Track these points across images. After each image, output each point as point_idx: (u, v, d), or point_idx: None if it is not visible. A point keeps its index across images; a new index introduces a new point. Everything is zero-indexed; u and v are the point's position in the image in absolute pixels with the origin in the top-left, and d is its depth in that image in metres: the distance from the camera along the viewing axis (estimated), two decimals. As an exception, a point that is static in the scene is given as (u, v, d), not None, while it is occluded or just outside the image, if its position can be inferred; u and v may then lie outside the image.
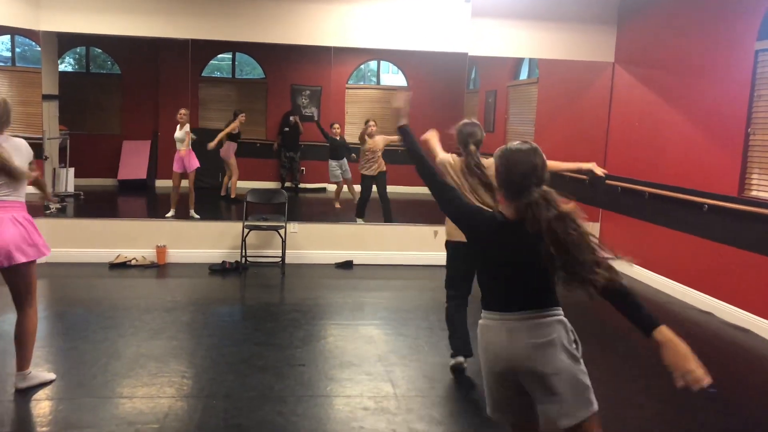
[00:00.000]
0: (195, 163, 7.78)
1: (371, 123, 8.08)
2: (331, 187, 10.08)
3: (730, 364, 4.48)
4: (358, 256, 6.96)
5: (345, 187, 9.04)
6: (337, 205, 8.90)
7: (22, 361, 3.54)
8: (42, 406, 3.42)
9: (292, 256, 6.75)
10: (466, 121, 4.09)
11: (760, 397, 3.93)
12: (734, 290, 5.31)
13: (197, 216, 7.54)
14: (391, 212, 7.82)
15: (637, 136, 6.80)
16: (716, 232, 5.50)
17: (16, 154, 3.42)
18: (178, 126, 7.74)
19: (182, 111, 7.77)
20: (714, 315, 5.46)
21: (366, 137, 7.97)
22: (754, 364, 4.49)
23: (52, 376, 3.69)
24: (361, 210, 7.92)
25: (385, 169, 7.97)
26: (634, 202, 6.77)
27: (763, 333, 4.96)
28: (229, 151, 9.03)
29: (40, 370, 3.68)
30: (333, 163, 8.92)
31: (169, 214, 7.54)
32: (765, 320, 4.96)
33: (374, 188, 7.93)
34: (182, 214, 7.50)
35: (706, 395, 3.88)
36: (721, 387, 4.01)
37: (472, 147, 3.89)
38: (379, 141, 7.97)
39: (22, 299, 3.52)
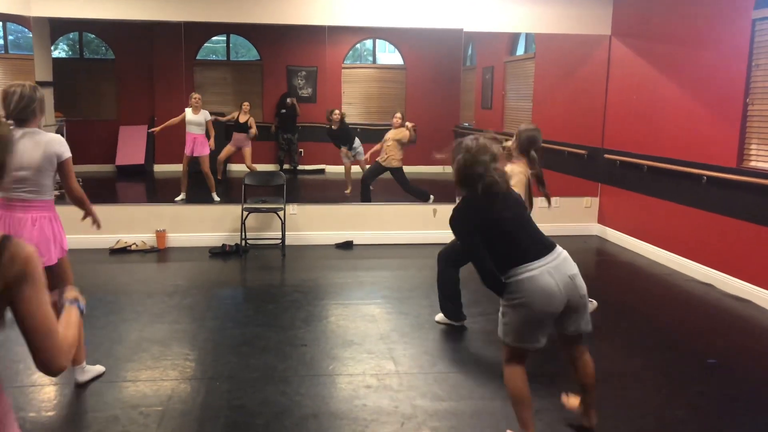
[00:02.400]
0: (205, 150, 7.74)
1: (397, 115, 7.86)
2: (331, 168, 10.06)
3: (730, 335, 4.50)
4: (358, 236, 6.97)
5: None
6: (348, 191, 8.67)
7: (76, 355, 3.41)
8: (46, 390, 3.45)
9: (292, 237, 6.76)
10: (525, 126, 4.16)
11: (761, 367, 3.95)
12: (734, 261, 5.32)
13: (218, 199, 7.57)
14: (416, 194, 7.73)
15: (634, 109, 6.77)
16: (715, 203, 5.50)
17: (35, 151, 3.19)
18: (191, 110, 7.65)
19: (195, 95, 7.71)
20: (714, 286, 5.48)
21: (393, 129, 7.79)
22: (755, 334, 4.51)
23: (102, 368, 3.63)
24: (364, 195, 7.82)
25: (395, 165, 7.67)
26: (632, 176, 6.76)
27: (763, 303, 4.98)
28: (237, 142, 8.87)
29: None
30: (343, 149, 8.67)
31: (179, 198, 7.55)
32: (765, 290, 4.98)
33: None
34: (192, 198, 7.52)
35: (708, 366, 3.91)
36: (722, 357, 4.04)
37: (533, 154, 4.02)
38: (392, 133, 7.76)
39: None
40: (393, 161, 7.68)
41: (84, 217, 3.58)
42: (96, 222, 3.58)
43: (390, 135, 7.77)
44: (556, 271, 2.68)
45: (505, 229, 2.73)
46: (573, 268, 2.75)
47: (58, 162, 3.26)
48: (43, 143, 3.24)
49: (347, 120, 8.88)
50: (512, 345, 2.79)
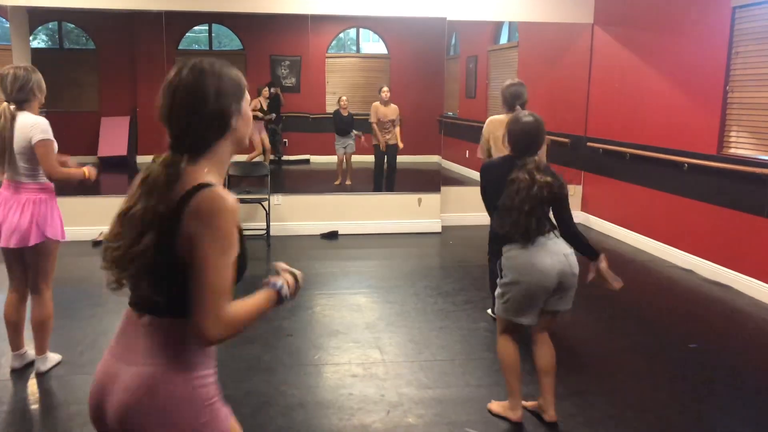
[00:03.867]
0: None
1: (385, 89, 7.91)
2: (315, 159, 10.02)
3: (711, 320, 4.57)
4: (343, 227, 6.97)
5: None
6: (348, 182, 8.54)
7: (41, 345, 3.48)
8: (30, 383, 3.43)
9: (277, 228, 6.75)
10: (510, 81, 4.20)
11: (741, 351, 4.02)
12: (715, 248, 5.39)
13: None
14: (394, 183, 7.77)
15: (617, 98, 6.81)
16: (697, 190, 5.56)
17: (20, 133, 3.24)
18: None
19: None
20: (695, 272, 5.55)
21: (379, 103, 7.86)
22: (735, 319, 4.59)
23: (59, 356, 3.63)
24: (378, 183, 7.89)
25: (395, 142, 7.83)
26: (615, 164, 6.81)
27: (743, 288, 5.05)
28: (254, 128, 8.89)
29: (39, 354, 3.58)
30: (340, 138, 8.58)
31: None
32: (744, 276, 5.05)
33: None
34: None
35: (689, 350, 3.97)
36: (703, 342, 4.10)
37: (518, 108, 4.00)
38: (391, 110, 7.83)
39: (35, 281, 3.41)
40: (395, 139, 7.80)
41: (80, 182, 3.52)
42: (90, 175, 3.48)
43: (390, 114, 7.80)
44: (552, 249, 2.86)
45: (514, 206, 2.82)
46: (568, 248, 2.93)
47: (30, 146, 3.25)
48: (25, 126, 3.25)
49: (331, 109, 8.89)
50: (507, 319, 2.98)
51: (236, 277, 1.44)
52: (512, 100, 4.13)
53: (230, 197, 1.39)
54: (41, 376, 3.47)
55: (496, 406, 3.14)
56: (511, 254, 2.91)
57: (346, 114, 8.53)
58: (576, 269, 2.92)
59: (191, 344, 1.41)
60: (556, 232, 2.93)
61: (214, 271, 1.35)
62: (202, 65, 1.45)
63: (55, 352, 3.62)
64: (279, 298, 1.53)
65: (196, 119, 1.43)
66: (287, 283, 1.57)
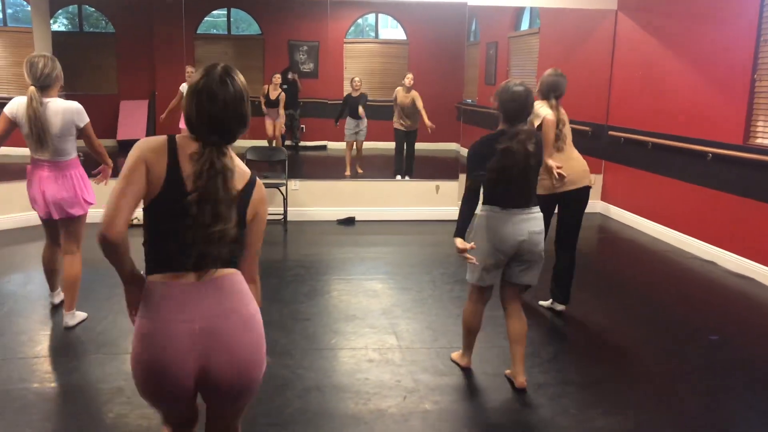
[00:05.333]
0: None
1: (409, 76, 7.96)
2: (333, 145, 9.99)
3: (732, 312, 4.50)
4: (360, 213, 6.95)
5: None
6: (360, 170, 8.48)
7: (70, 302, 3.85)
8: (50, 362, 3.46)
9: (294, 213, 6.74)
10: (551, 71, 4.16)
11: (762, 344, 3.95)
12: (737, 239, 5.30)
13: None
14: (413, 169, 7.77)
15: (639, 85, 6.70)
16: (720, 181, 5.47)
17: (55, 118, 3.59)
18: (187, 85, 7.65)
19: (189, 69, 7.77)
20: (717, 264, 5.47)
21: (401, 88, 7.94)
22: (756, 312, 4.51)
23: (85, 314, 3.98)
24: (398, 166, 7.93)
25: (415, 128, 7.95)
26: (637, 153, 6.72)
27: (765, 281, 4.97)
28: (272, 114, 9.00)
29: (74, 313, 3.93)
30: (350, 122, 8.42)
31: None
32: (767, 268, 4.97)
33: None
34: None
35: (709, 342, 3.91)
36: (724, 334, 4.04)
37: (553, 101, 4.05)
38: (413, 96, 7.88)
39: (70, 244, 3.83)
40: (415, 126, 7.90)
41: (97, 171, 4.03)
42: (105, 177, 4.03)
43: (407, 100, 7.86)
44: (519, 222, 3.06)
45: (502, 177, 3.02)
46: (537, 227, 3.11)
47: (77, 129, 3.69)
48: (61, 111, 3.61)
49: (348, 94, 8.78)
50: (473, 283, 3.26)
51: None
52: (548, 91, 4.04)
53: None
54: (60, 357, 3.51)
55: (454, 354, 3.53)
56: (484, 215, 3.14)
57: (356, 95, 8.34)
58: (537, 247, 3.11)
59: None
60: (536, 209, 3.12)
61: (255, 248, 1.92)
62: (239, 78, 1.80)
63: (77, 328, 3.88)
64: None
65: (243, 122, 1.82)
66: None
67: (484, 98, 10.57)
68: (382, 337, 3.85)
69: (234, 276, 1.85)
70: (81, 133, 3.72)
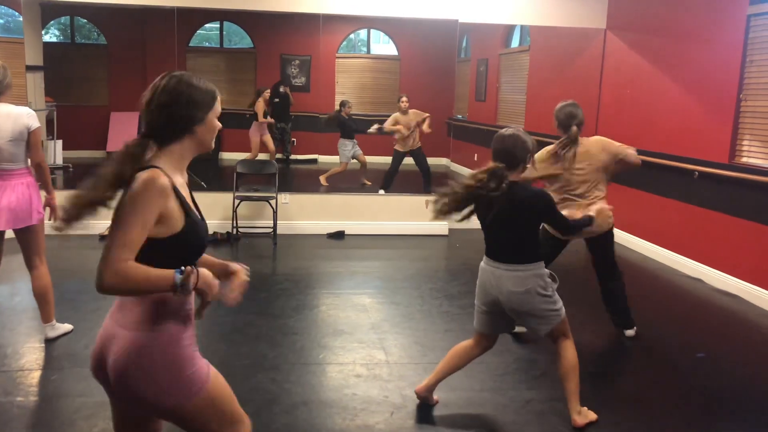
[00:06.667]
0: None
1: (404, 99, 8.04)
2: (323, 158, 10.01)
3: (719, 330, 4.53)
4: (350, 227, 6.95)
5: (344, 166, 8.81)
6: (368, 182, 8.61)
7: (47, 314, 3.81)
8: (34, 375, 3.43)
9: (284, 226, 6.73)
10: (563, 103, 4.14)
11: (749, 362, 3.98)
12: (723, 257, 5.35)
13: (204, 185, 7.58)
14: (430, 183, 7.83)
15: (628, 103, 6.77)
16: (707, 199, 5.52)
17: (6, 123, 3.50)
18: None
19: None
20: (703, 281, 5.51)
21: (399, 113, 8.01)
22: (743, 330, 4.54)
23: (70, 326, 3.94)
24: (387, 182, 7.94)
25: (419, 145, 8.00)
26: (624, 170, 6.75)
27: (751, 299, 5.01)
28: (256, 130, 9.07)
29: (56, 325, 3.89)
30: (347, 143, 8.59)
31: None
32: (753, 286, 5.01)
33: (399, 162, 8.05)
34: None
35: (697, 360, 3.93)
36: (711, 351, 4.06)
37: (574, 128, 4.04)
38: (412, 116, 7.97)
39: (32, 258, 3.74)
40: (417, 142, 7.99)
41: (46, 204, 3.76)
42: (54, 212, 3.73)
43: (412, 120, 7.92)
44: (498, 276, 2.90)
45: (488, 224, 2.96)
46: (518, 287, 2.86)
47: (27, 132, 3.55)
48: (14, 114, 3.53)
49: (339, 113, 8.87)
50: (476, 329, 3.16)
51: (189, 253, 1.80)
52: (568, 121, 4.03)
53: (161, 179, 1.67)
54: (44, 370, 3.48)
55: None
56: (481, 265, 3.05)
57: (347, 117, 8.59)
58: (521, 308, 2.90)
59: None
60: (523, 266, 2.86)
61: (120, 230, 1.68)
62: (182, 76, 1.77)
63: (61, 340, 3.82)
64: (174, 284, 1.65)
65: (165, 118, 1.73)
66: (199, 277, 1.73)
67: (474, 114, 10.64)
68: (371, 352, 3.84)
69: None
70: (28, 139, 3.56)
